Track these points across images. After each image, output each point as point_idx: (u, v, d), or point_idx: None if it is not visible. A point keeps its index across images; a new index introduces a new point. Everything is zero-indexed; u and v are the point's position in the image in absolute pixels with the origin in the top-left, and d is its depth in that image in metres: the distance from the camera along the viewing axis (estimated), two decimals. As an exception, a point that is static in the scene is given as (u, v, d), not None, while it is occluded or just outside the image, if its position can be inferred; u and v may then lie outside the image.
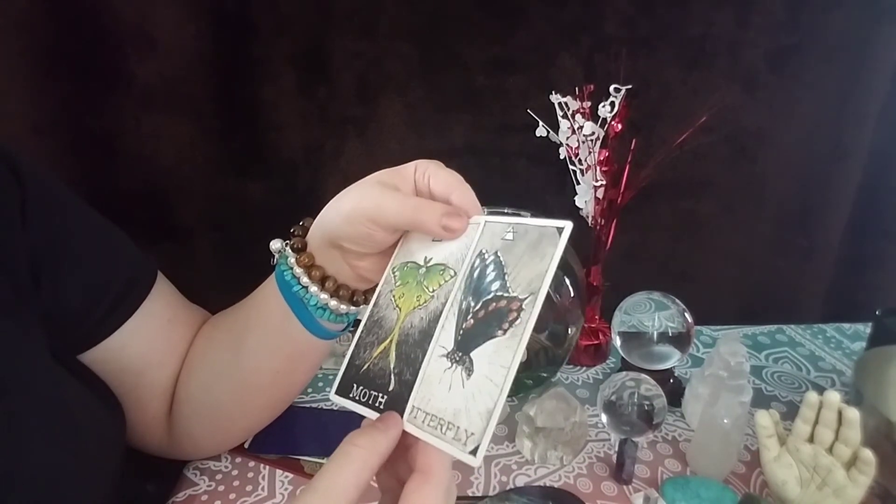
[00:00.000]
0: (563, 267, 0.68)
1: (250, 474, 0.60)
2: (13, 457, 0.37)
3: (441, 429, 0.30)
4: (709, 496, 0.56)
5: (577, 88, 0.71)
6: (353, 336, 0.38)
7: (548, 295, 0.30)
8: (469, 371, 0.31)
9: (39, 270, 0.44)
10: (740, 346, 0.65)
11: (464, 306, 0.33)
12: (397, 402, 0.33)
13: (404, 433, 0.32)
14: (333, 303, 0.45)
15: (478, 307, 0.32)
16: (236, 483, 0.59)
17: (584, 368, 0.81)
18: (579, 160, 0.73)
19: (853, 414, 0.50)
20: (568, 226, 0.31)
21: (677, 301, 0.69)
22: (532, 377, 0.72)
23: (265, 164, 0.83)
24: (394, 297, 0.37)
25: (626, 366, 0.72)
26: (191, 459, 0.61)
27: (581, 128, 0.70)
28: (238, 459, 0.62)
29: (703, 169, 0.90)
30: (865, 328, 0.90)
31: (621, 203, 0.75)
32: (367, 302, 0.44)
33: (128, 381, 0.51)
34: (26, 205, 0.43)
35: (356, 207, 0.40)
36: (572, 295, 0.69)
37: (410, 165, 0.40)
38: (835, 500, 0.50)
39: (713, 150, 0.87)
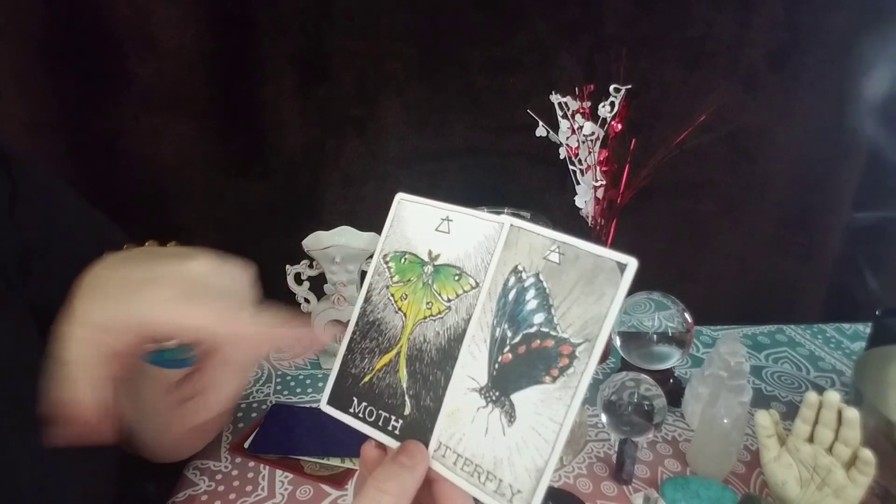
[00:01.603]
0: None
1: (250, 474, 0.60)
2: (9, 449, 0.37)
3: (479, 477, 0.27)
4: (709, 496, 0.56)
5: (577, 88, 0.71)
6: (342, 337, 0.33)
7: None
8: (510, 417, 0.27)
9: (29, 265, 0.44)
10: (740, 346, 0.65)
11: (498, 334, 0.29)
12: (418, 432, 0.30)
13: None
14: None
15: (516, 340, 0.28)
16: (236, 483, 0.59)
17: (584, 368, 0.81)
18: (579, 160, 0.73)
19: (853, 414, 0.50)
20: (632, 263, 0.26)
21: (677, 301, 0.69)
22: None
23: (265, 164, 0.83)
24: (393, 296, 0.32)
25: (626, 366, 0.72)
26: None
27: (581, 128, 0.70)
28: (238, 459, 0.62)
29: (703, 169, 0.90)
30: (865, 328, 0.90)
31: (621, 203, 0.75)
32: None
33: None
34: (16, 200, 0.43)
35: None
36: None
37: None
38: (835, 500, 0.50)
39: (713, 150, 0.87)
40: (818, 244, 0.97)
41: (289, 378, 0.78)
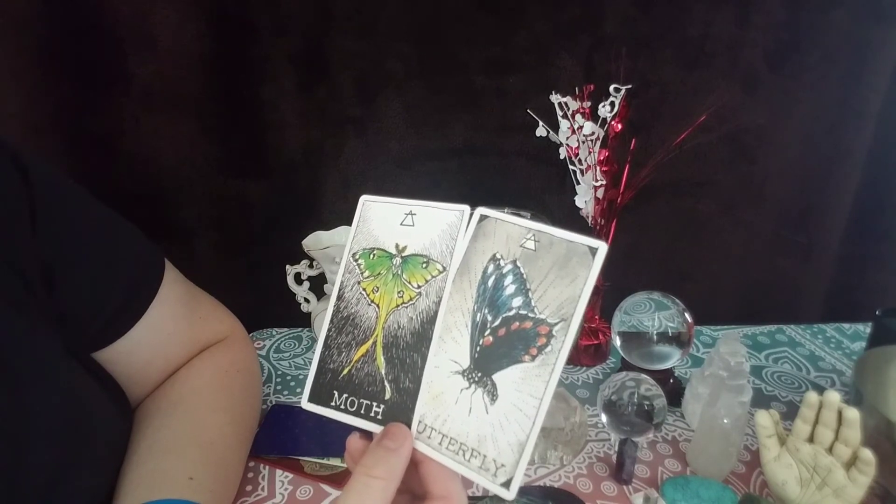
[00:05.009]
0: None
1: (250, 474, 0.60)
2: (25, 446, 0.38)
3: (464, 455, 0.29)
4: (709, 496, 0.56)
5: (577, 88, 0.71)
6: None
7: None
8: (492, 396, 0.29)
9: (52, 276, 0.44)
10: (740, 346, 0.65)
11: (479, 319, 0.30)
12: (400, 413, 0.31)
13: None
14: None
15: (496, 323, 0.30)
16: (236, 483, 0.59)
17: (584, 368, 0.81)
18: (579, 160, 0.73)
19: (853, 414, 0.50)
20: (602, 247, 0.28)
21: (677, 301, 0.69)
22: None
23: (265, 164, 0.83)
24: (365, 290, 0.34)
25: (626, 366, 0.72)
26: None
27: (581, 128, 0.70)
28: (238, 459, 0.62)
29: (703, 169, 0.90)
30: (865, 328, 0.90)
31: (621, 203, 0.75)
32: None
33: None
34: (36, 211, 0.43)
35: None
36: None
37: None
38: (835, 500, 0.50)
39: (713, 149, 0.87)
40: (818, 244, 0.97)
41: (289, 378, 0.78)
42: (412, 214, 0.34)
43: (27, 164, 0.44)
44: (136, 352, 0.51)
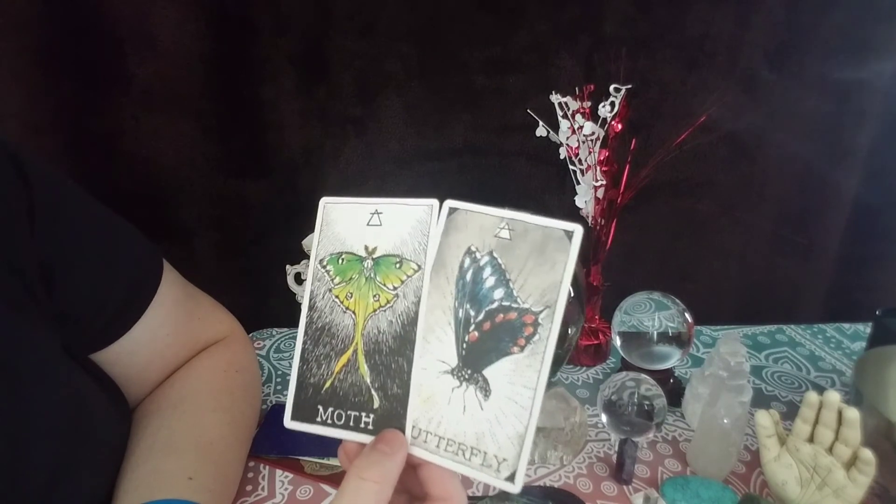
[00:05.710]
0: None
1: (250, 474, 0.60)
2: (25, 446, 0.38)
3: (464, 454, 0.28)
4: (709, 496, 0.56)
5: (577, 88, 0.71)
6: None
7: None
8: (485, 392, 0.28)
9: (51, 277, 0.44)
10: (740, 346, 0.65)
11: (461, 315, 0.30)
12: (391, 421, 0.30)
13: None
14: None
15: (480, 317, 0.29)
16: (236, 483, 0.59)
17: (584, 368, 0.81)
18: (579, 160, 0.73)
19: (853, 414, 0.50)
20: (578, 230, 0.28)
21: (677, 301, 0.69)
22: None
23: (265, 164, 0.83)
24: (337, 297, 0.32)
25: (626, 366, 0.72)
26: None
27: (581, 128, 0.71)
28: (238, 459, 0.62)
29: (703, 169, 0.90)
30: (865, 328, 0.90)
31: (621, 203, 0.75)
32: None
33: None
34: (34, 212, 0.43)
35: None
36: (572, 295, 0.69)
37: None
38: (835, 500, 0.50)
39: (713, 150, 0.87)
40: (818, 244, 0.97)
41: (289, 378, 0.78)
42: (378, 213, 0.32)
43: (27, 164, 0.44)
44: (135, 352, 0.51)
